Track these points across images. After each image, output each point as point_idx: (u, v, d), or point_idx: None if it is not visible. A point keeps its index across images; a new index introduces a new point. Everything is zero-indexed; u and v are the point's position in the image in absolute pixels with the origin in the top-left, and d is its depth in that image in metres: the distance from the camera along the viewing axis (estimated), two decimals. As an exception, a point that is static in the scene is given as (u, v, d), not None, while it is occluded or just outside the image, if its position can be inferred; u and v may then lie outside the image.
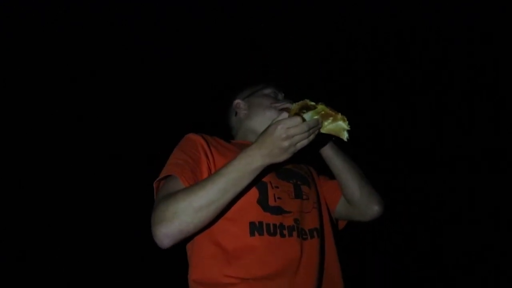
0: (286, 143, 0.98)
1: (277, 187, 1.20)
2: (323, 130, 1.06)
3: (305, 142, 1.01)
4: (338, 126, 1.06)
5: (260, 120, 1.39)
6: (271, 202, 1.16)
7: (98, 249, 3.42)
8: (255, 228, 1.11)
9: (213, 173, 1.05)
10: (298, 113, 1.03)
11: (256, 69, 3.16)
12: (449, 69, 3.57)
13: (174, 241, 1.01)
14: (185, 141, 1.24)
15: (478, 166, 3.55)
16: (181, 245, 1.13)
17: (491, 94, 3.54)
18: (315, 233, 1.19)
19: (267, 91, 1.47)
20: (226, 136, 1.44)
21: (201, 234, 1.12)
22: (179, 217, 0.99)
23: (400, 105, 3.61)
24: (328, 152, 1.31)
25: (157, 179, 1.15)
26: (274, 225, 1.13)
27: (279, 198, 1.18)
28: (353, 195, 1.30)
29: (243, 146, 1.20)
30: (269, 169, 1.08)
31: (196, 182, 1.08)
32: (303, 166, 1.43)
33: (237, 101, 1.50)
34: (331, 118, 1.05)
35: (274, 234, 1.12)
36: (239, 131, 1.47)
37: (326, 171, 1.39)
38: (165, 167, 1.16)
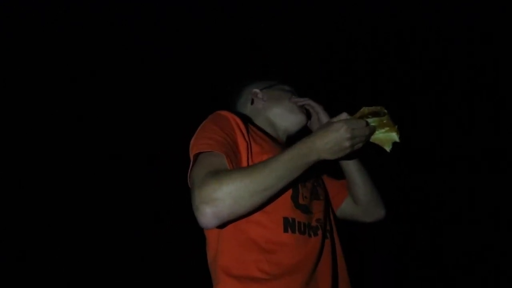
0: (348, 143, 1.00)
1: (304, 186, 1.19)
2: (371, 139, 1.08)
3: (360, 145, 1.04)
4: (388, 137, 1.08)
5: (280, 113, 1.38)
6: (301, 201, 1.15)
7: (97, 249, 3.42)
8: (289, 224, 1.10)
9: (269, 159, 1.01)
10: (362, 117, 1.05)
11: (257, 67, 3.15)
12: (449, 68, 3.57)
13: (221, 222, 0.98)
14: (220, 117, 1.18)
15: (478, 166, 3.55)
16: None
17: (491, 94, 3.54)
18: (328, 234, 1.21)
19: (287, 88, 1.47)
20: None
21: (233, 223, 1.08)
22: (233, 198, 0.95)
23: (400, 105, 3.61)
24: (351, 163, 1.33)
25: (198, 151, 1.08)
26: (304, 224, 1.13)
27: (305, 197, 1.17)
28: (365, 197, 1.34)
29: (272, 139, 1.26)
30: None
31: (238, 165, 1.07)
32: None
33: (255, 90, 1.46)
34: (386, 129, 1.07)
35: (304, 233, 1.12)
36: (255, 121, 1.42)
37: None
38: (202, 139, 1.10)
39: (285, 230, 1.09)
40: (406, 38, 3.53)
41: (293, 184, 1.11)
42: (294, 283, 1.05)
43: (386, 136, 1.08)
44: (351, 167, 1.34)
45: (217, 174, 0.98)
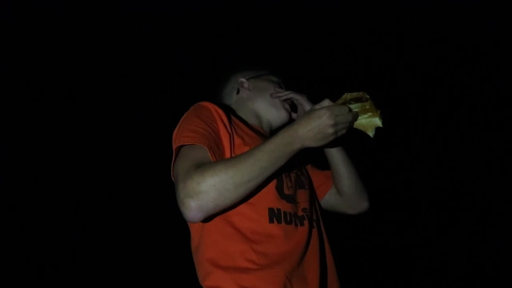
0: (331, 130, 0.98)
1: (288, 176, 1.18)
2: (354, 124, 1.06)
3: (343, 131, 1.02)
4: (371, 122, 1.05)
5: (263, 106, 1.36)
6: (286, 191, 1.14)
7: (96, 249, 3.40)
8: (274, 215, 1.08)
9: (252, 149, 1.00)
10: (344, 103, 1.03)
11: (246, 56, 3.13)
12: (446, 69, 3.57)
13: (207, 215, 0.97)
14: (201, 109, 1.16)
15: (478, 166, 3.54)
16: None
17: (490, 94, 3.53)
18: (314, 223, 1.19)
19: (274, 78, 1.43)
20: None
21: (219, 215, 1.07)
22: (218, 190, 0.94)
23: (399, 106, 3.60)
24: (335, 151, 1.31)
25: (180, 144, 1.06)
26: (290, 214, 1.11)
27: (290, 187, 1.16)
28: (349, 188, 1.33)
29: (254, 131, 1.24)
30: None
31: (220, 156, 1.05)
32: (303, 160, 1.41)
33: (241, 79, 1.42)
34: (368, 114, 1.05)
35: (290, 222, 1.10)
36: (239, 111, 1.39)
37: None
38: (184, 132, 1.09)
39: (271, 221, 1.08)
40: (406, 37, 3.51)
41: (277, 174, 1.10)
42: (282, 272, 1.04)
43: (368, 122, 1.06)
44: (336, 158, 1.32)
45: (201, 167, 0.97)
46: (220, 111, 1.16)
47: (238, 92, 1.41)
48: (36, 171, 3.36)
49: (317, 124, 0.98)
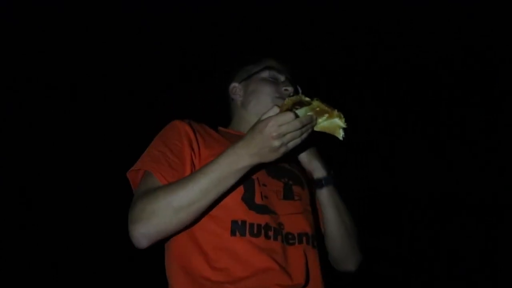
0: (277, 142, 0.89)
1: (264, 185, 1.10)
2: (317, 128, 0.98)
3: (297, 141, 0.93)
4: (334, 123, 0.98)
5: (254, 110, 1.25)
6: (258, 200, 1.06)
7: (95, 248, 3.42)
8: (237, 227, 1.02)
9: (196, 171, 0.98)
10: (290, 109, 0.93)
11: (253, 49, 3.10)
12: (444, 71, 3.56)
13: (151, 241, 0.97)
14: (169, 128, 1.15)
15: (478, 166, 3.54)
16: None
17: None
18: (304, 238, 1.09)
19: (265, 74, 1.30)
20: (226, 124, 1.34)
21: (182, 231, 1.04)
22: (157, 217, 0.93)
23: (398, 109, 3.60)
24: (323, 196, 1.20)
25: (131, 169, 1.08)
26: (259, 225, 1.03)
27: (265, 197, 1.08)
28: (333, 249, 1.23)
29: (234, 138, 1.14)
30: (259, 165, 1.00)
31: (175, 177, 1.01)
32: (298, 164, 1.31)
33: (233, 84, 1.34)
34: (326, 115, 0.97)
35: (258, 235, 1.02)
36: (233, 119, 1.34)
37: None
38: (142, 157, 1.09)
39: (233, 234, 1.02)
40: (405, 37, 3.50)
41: (246, 184, 1.06)
42: (253, 284, 0.98)
43: (330, 124, 0.98)
44: (324, 212, 1.20)
45: (145, 193, 0.98)
46: (187, 128, 1.13)
47: (233, 99, 1.35)
48: (36, 171, 3.36)
49: (259, 139, 0.90)
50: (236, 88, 1.34)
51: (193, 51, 3.43)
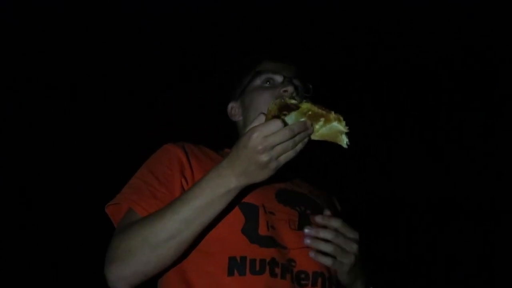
0: (264, 157, 0.74)
1: (272, 213, 0.94)
2: (314, 137, 0.81)
3: (291, 153, 0.77)
4: (333, 128, 0.81)
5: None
6: (262, 231, 0.90)
7: (95, 249, 3.39)
8: (236, 265, 0.87)
9: (176, 198, 0.84)
10: (277, 116, 0.78)
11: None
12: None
13: (129, 285, 0.84)
14: (159, 153, 1.04)
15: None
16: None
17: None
18: (319, 280, 0.91)
19: (258, 81, 1.14)
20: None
21: (171, 269, 0.91)
22: (133, 256, 0.80)
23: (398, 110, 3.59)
24: (344, 279, 0.97)
25: (109, 203, 0.96)
26: (263, 261, 0.87)
27: (272, 227, 0.92)
28: None
29: None
30: (265, 189, 0.89)
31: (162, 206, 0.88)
32: (322, 191, 1.15)
33: (230, 105, 1.22)
34: (322, 119, 0.80)
35: (261, 272, 0.86)
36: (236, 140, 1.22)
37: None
38: (124, 187, 0.98)
39: (230, 273, 0.86)
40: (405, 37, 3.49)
41: (247, 213, 0.91)
42: None
43: (329, 130, 0.81)
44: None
45: (122, 229, 0.86)
46: (179, 152, 1.01)
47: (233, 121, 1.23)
48: (36, 171, 3.35)
49: (245, 156, 0.75)
50: (234, 108, 1.22)
51: (193, 51, 3.42)
